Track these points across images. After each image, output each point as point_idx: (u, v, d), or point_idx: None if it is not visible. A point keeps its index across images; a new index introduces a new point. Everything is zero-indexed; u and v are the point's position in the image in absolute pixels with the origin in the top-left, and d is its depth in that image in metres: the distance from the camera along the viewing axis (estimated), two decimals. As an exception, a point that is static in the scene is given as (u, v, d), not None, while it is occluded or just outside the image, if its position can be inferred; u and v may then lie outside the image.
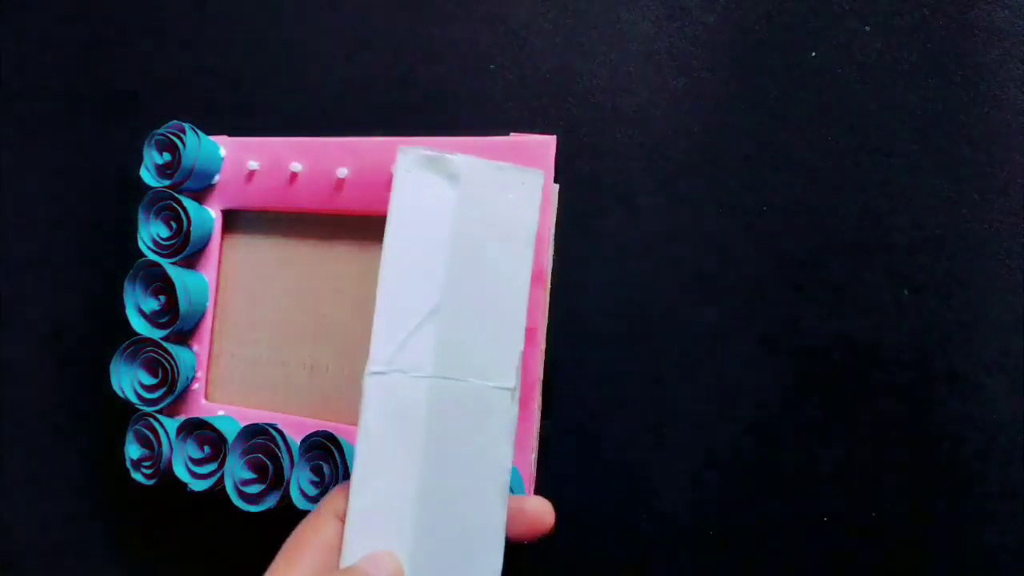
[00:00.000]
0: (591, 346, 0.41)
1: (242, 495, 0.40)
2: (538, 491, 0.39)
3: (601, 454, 0.40)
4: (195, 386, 0.45)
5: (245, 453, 0.40)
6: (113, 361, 0.44)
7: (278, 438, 0.40)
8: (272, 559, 0.31)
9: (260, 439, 0.40)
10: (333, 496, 0.31)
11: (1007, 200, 0.37)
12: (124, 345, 0.44)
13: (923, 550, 0.36)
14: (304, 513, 0.33)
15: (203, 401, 0.45)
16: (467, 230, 0.31)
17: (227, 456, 0.41)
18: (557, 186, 0.40)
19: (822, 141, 0.40)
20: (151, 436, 0.43)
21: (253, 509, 0.39)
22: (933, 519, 0.36)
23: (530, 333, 0.38)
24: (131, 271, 0.44)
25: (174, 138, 0.44)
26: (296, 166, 0.43)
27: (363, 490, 0.29)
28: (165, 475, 0.43)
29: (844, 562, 0.37)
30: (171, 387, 0.43)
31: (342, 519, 0.30)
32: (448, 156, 0.31)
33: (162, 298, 0.44)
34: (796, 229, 0.39)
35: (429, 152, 0.31)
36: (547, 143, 0.39)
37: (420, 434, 0.29)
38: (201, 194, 0.46)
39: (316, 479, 0.39)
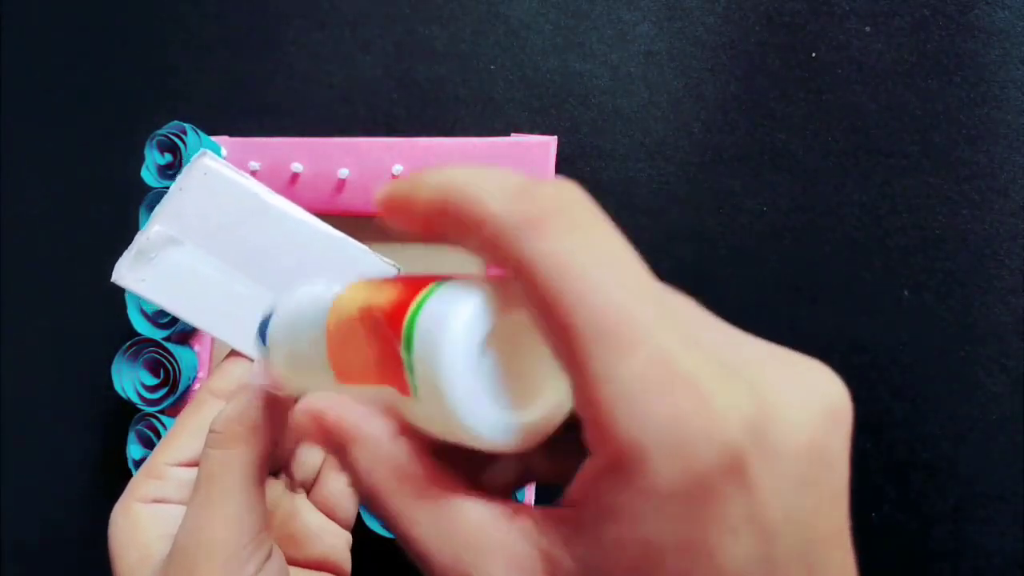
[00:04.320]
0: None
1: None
2: (539, 493, 0.39)
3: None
4: (197, 386, 0.45)
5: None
6: (115, 361, 0.44)
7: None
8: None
9: (261, 439, 0.40)
10: (212, 379, 0.31)
11: (1007, 200, 0.37)
12: (126, 345, 0.44)
13: (923, 550, 0.36)
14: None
15: (204, 401, 0.45)
16: None
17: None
18: (557, 186, 0.40)
19: (822, 141, 0.40)
20: (153, 436, 0.43)
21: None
22: (933, 519, 0.36)
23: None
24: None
25: (175, 139, 0.44)
26: (297, 166, 0.43)
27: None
28: (167, 475, 0.43)
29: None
30: (173, 387, 0.43)
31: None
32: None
33: (163, 298, 0.44)
34: (796, 229, 0.39)
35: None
36: (547, 144, 0.39)
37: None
38: (202, 195, 0.46)
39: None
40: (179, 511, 0.27)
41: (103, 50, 0.54)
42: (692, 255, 0.40)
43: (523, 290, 0.15)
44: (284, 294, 0.24)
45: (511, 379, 0.17)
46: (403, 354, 0.17)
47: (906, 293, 0.38)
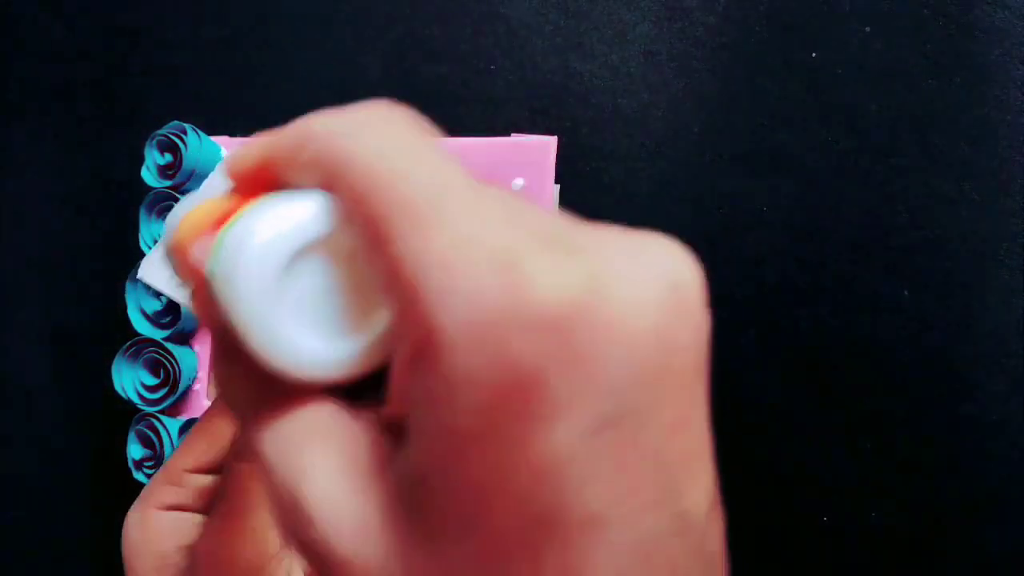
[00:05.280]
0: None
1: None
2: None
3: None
4: (197, 386, 0.45)
5: (246, 453, 0.41)
6: (115, 361, 0.44)
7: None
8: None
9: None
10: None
11: (1007, 200, 0.37)
12: (126, 345, 0.44)
13: (923, 550, 0.36)
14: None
15: (205, 401, 0.45)
16: None
17: (229, 456, 0.41)
18: (557, 187, 0.40)
19: (822, 141, 0.40)
20: (153, 437, 0.43)
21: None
22: (933, 519, 0.36)
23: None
24: (133, 271, 0.44)
25: (175, 139, 0.44)
26: (297, 167, 0.43)
27: None
28: (167, 475, 0.43)
29: (844, 562, 0.37)
30: (173, 387, 0.43)
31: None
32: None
33: (164, 298, 0.44)
34: (796, 229, 0.39)
35: None
36: (547, 144, 0.39)
37: None
38: (202, 195, 0.46)
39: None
40: (197, 519, 0.26)
41: (103, 50, 0.54)
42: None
43: (342, 197, 0.14)
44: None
45: (338, 303, 0.15)
46: (211, 290, 0.16)
47: (906, 293, 0.38)
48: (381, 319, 0.15)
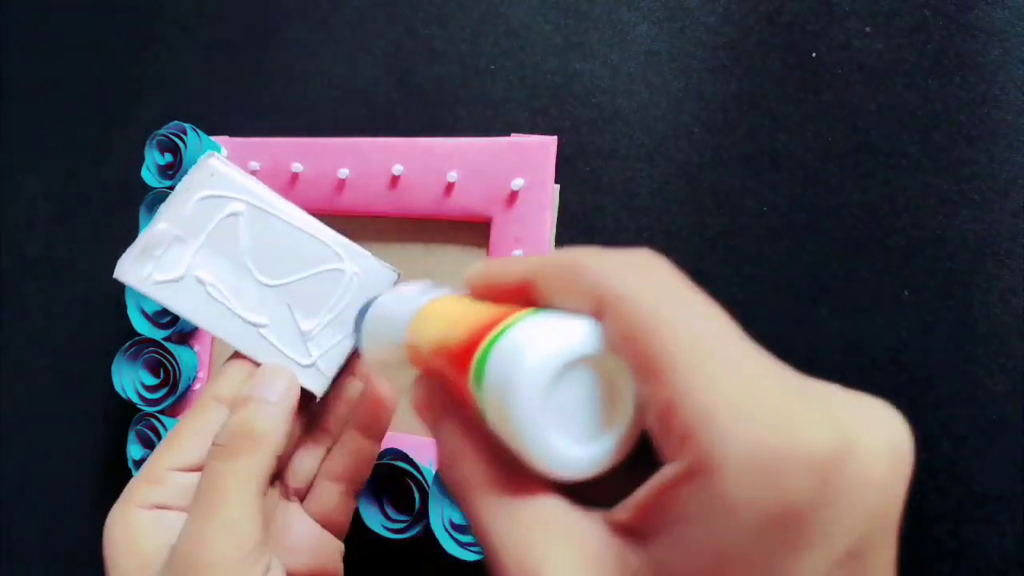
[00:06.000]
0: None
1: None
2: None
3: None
4: (196, 386, 0.45)
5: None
6: (115, 361, 0.44)
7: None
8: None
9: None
10: (214, 383, 0.30)
11: (1007, 200, 0.37)
12: (126, 345, 0.44)
13: (923, 550, 0.36)
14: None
15: (204, 401, 0.45)
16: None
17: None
18: (557, 186, 0.40)
19: (822, 141, 0.40)
20: (153, 437, 0.43)
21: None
22: (933, 519, 0.36)
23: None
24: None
25: (175, 139, 0.44)
26: (297, 166, 0.43)
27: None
28: (167, 475, 0.43)
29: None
30: (173, 387, 0.43)
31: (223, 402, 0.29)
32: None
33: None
34: (796, 229, 0.39)
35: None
36: (547, 144, 0.39)
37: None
38: (202, 195, 0.46)
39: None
40: (179, 518, 0.26)
41: (103, 50, 0.54)
42: (692, 255, 0.40)
43: (612, 321, 0.16)
44: (387, 292, 0.26)
45: (589, 409, 0.17)
46: (473, 389, 0.18)
47: (906, 293, 0.38)
48: (619, 426, 0.17)
